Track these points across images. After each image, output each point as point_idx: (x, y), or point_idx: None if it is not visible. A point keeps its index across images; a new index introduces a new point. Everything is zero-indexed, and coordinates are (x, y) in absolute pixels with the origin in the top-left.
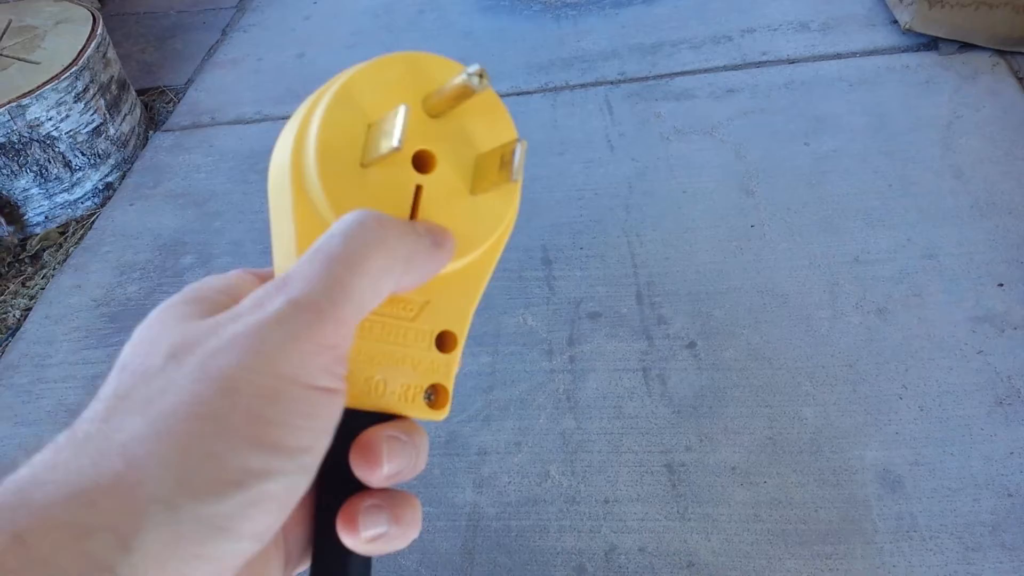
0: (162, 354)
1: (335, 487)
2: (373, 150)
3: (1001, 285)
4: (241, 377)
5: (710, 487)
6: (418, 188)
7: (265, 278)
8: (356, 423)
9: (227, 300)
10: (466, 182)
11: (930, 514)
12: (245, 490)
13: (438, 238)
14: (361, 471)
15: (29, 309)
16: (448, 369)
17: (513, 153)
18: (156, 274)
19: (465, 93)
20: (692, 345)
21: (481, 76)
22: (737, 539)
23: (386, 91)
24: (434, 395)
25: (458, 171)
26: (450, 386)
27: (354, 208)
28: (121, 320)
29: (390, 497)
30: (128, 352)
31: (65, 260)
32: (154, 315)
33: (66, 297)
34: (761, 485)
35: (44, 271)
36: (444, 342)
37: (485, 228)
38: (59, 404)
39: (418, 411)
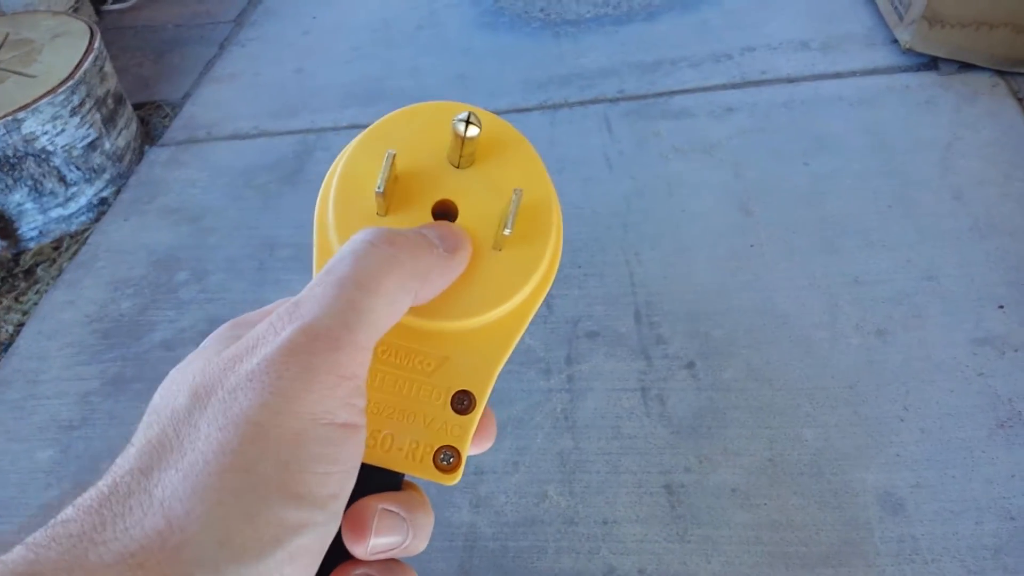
0: (186, 394)
1: (329, 551)
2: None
3: (1002, 307)
4: (264, 420)
5: (710, 509)
6: None
7: None
8: (362, 485)
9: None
10: (490, 236)
11: (932, 537)
12: (283, 547)
13: (451, 242)
14: (348, 540)
15: (22, 324)
16: (463, 432)
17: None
18: (150, 290)
19: (459, 139)
20: (691, 365)
21: (467, 122)
22: (737, 561)
23: (408, 141)
24: (450, 457)
25: (482, 224)
26: (464, 450)
27: None
28: (114, 336)
29: (386, 569)
30: (158, 394)
31: (58, 275)
32: (187, 358)
33: (59, 313)
34: (761, 507)
35: (37, 286)
36: (462, 402)
37: (507, 286)
38: (51, 420)
39: (424, 471)
